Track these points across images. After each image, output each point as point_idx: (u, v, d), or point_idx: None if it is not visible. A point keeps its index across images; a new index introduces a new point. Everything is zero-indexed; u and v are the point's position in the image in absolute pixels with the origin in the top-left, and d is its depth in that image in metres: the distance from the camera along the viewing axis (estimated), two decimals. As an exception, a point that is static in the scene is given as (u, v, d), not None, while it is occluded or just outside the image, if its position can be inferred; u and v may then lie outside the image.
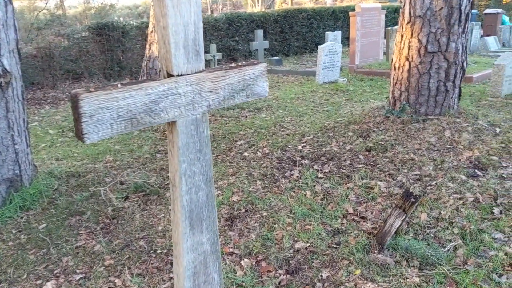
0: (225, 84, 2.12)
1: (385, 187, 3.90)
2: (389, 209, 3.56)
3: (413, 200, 2.91)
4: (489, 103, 6.26)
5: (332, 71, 9.43)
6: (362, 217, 3.49)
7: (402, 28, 5.03)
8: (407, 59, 5.00)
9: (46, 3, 25.20)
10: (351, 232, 3.26)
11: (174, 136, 2.04)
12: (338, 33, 14.05)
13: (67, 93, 10.90)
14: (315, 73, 9.96)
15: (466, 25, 4.79)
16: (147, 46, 7.58)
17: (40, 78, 11.41)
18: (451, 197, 3.59)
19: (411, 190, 3.03)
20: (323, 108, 7.07)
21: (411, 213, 3.32)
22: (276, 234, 3.26)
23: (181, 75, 1.93)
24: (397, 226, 2.97)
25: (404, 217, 2.97)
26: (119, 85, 1.79)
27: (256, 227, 3.42)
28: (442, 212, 3.39)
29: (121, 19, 22.56)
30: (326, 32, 13.95)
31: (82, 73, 12.00)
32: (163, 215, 3.80)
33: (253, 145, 5.45)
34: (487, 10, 15.77)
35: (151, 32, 7.40)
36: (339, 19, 17.14)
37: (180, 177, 2.09)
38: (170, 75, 1.92)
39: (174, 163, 2.09)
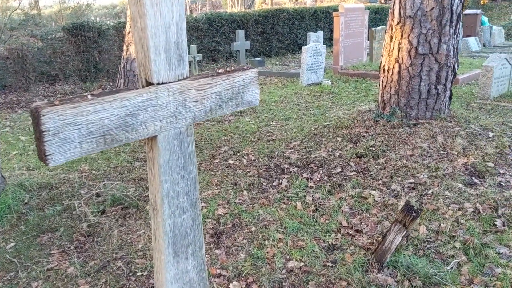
0: (212, 92, 1.88)
1: (379, 197, 3.70)
2: (385, 221, 3.36)
3: (414, 214, 2.70)
4: (478, 105, 6.14)
5: (316, 73, 9.24)
6: (357, 231, 3.27)
7: (392, 29, 4.84)
8: (397, 61, 4.82)
9: (20, 3, 24.48)
10: (346, 248, 3.04)
11: (154, 153, 1.78)
12: (320, 34, 13.92)
13: (41, 96, 10.47)
14: (298, 74, 9.75)
15: (458, 26, 4.64)
16: (124, 48, 7.26)
17: (13, 80, 10.93)
18: (449, 208, 3.41)
19: (411, 203, 2.83)
20: (308, 112, 6.86)
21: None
22: (267, 252, 3.02)
23: (162, 83, 1.68)
24: (398, 242, 2.76)
25: (404, 232, 2.76)
26: (89, 97, 1.52)
27: (244, 244, 3.16)
28: (441, 224, 3.19)
29: (98, 19, 22.04)
30: (308, 33, 13.80)
31: (57, 75, 11.55)
32: (143, 231, 3.52)
33: (238, 151, 5.19)
34: (467, 11, 15.84)
35: (129, 32, 7.08)
36: (321, 19, 17.01)
37: (162, 199, 1.83)
38: (149, 84, 1.67)
39: (155, 184, 1.84)
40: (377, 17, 18.71)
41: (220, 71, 1.94)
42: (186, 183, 1.89)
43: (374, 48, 10.82)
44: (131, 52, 7.10)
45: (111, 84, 11.26)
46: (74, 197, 4.23)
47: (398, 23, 4.73)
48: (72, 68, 11.50)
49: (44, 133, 1.40)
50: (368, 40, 11.18)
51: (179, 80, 1.73)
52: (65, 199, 4.20)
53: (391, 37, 4.85)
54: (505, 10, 24.80)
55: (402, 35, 4.72)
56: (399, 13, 4.69)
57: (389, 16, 4.94)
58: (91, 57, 11.50)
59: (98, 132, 1.52)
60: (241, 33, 13.02)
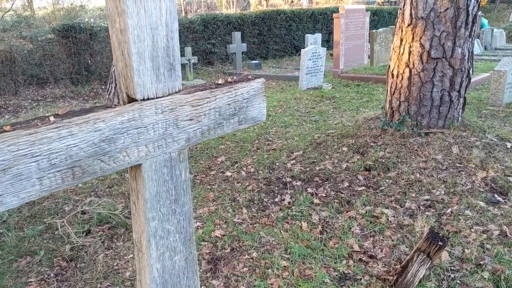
0: (211, 108, 1.53)
1: (393, 216, 3.35)
2: (401, 245, 3.02)
3: (440, 244, 2.36)
4: (491, 112, 5.82)
5: (316, 76, 8.91)
6: (371, 256, 2.93)
7: (402, 31, 4.51)
8: (408, 66, 4.49)
9: (12, 4, 24.05)
10: (360, 279, 2.69)
11: (139, 185, 1.43)
12: (318, 36, 13.59)
13: (30, 100, 10.07)
14: (297, 78, 9.43)
15: (473, 28, 4.31)
16: (116, 50, 6.88)
17: (1, 84, 10.53)
18: (472, 230, 3.07)
19: (436, 230, 2.49)
20: (309, 118, 6.51)
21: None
22: (271, 284, 2.66)
23: (148, 99, 1.34)
24: (421, 275, 2.42)
25: (429, 264, 2.42)
26: (51, 119, 1.17)
27: (245, 273, 2.81)
28: (465, 250, 2.85)
29: (92, 20, 21.65)
30: (306, 35, 13.47)
31: (47, 78, 11.17)
32: (131, 255, 3.16)
33: (236, 162, 4.84)
34: (467, 13, 15.55)
35: (120, 34, 6.71)
36: (318, 21, 16.68)
37: (148, 240, 1.48)
38: (132, 100, 1.32)
39: (140, 221, 1.49)
40: (376, 19, 18.42)
41: (220, 82, 1.60)
42: (178, 219, 1.55)
43: (375, 51, 10.50)
44: (123, 55, 6.73)
45: (103, 87, 10.88)
46: (57, 215, 3.86)
47: (409, 25, 4.40)
48: (63, 70, 11.11)
49: (-10, 169, 1.06)
50: (369, 42, 10.85)
51: (169, 95, 1.39)
52: (47, 217, 3.84)
53: (401, 40, 4.52)
54: (503, 12, 24.60)
55: (413, 38, 4.38)
56: (410, 14, 4.36)
57: (398, 17, 4.60)
58: (83, 59, 11.11)
59: (64, 163, 1.18)
60: (237, 35, 12.67)
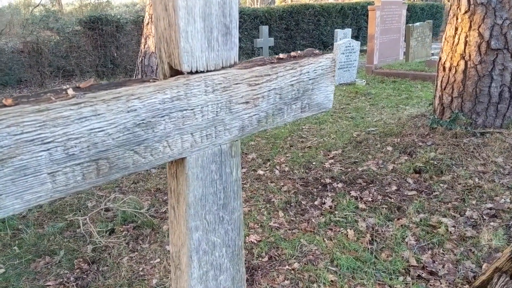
0: (271, 89, 1.19)
1: (453, 226, 2.95)
2: (465, 260, 2.62)
3: (528, 263, 1.96)
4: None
5: (349, 72, 8.49)
6: (431, 273, 2.54)
7: (457, 19, 4.08)
8: (463, 58, 4.05)
9: None
10: (423, 299, 2.31)
11: (180, 185, 1.12)
12: (348, 31, 13.11)
13: (55, 92, 9.94)
14: (328, 73, 8.99)
15: (540, 16, 3.85)
16: (143, 40, 6.63)
17: (27, 75, 10.45)
18: (550, 245, 2.65)
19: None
20: (345, 115, 6.11)
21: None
22: (319, 302, 2.31)
23: (196, 72, 0.99)
24: (503, 300, 2.02)
25: (512, 287, 2.03)
26: (70, 92, 0.85)
27: (287, 286, 2.46)
28: (546, 269, 2.44)
29: (118, 16, 21.66)
30: (336, 30, 13.00)
31: (73, 70, 11.05)
32: (158, 260, 2.85)
33: (268, 160, 4.48)
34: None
35: (147, 24, 6.44)
36: (348, 16, 16.18)
37: (189, 256, 1.16)
38: (176, 72, 0.98)
39: (180, 232, 1.18)
40: (407, 14, 17.76)
41: (281, 56, 1.26)
42: (226, 229, 1.23)
43: (411, 46, 9.98)
44: (149, 45, 6.46)
45: (128, 80, 10.68)
46: (80, 211, 3.59)
47: (466, 12, 3.96)
48: (89, 63, 10.97)
49: (-18, 157, 0.75)
50: (405, 40, 10.33)
51: (223, 68, 1.06)
52: (69, 213, 3.56)
53: (456, 29, 4.09)
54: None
55: (470, 26, 3.95)
56: (468, 0, 3.93)
57: (453, 4, 4.17)
58: (109, 52, 10.94)
59: (86, 154, 0.86)
60: (265, 29, 12.29)
